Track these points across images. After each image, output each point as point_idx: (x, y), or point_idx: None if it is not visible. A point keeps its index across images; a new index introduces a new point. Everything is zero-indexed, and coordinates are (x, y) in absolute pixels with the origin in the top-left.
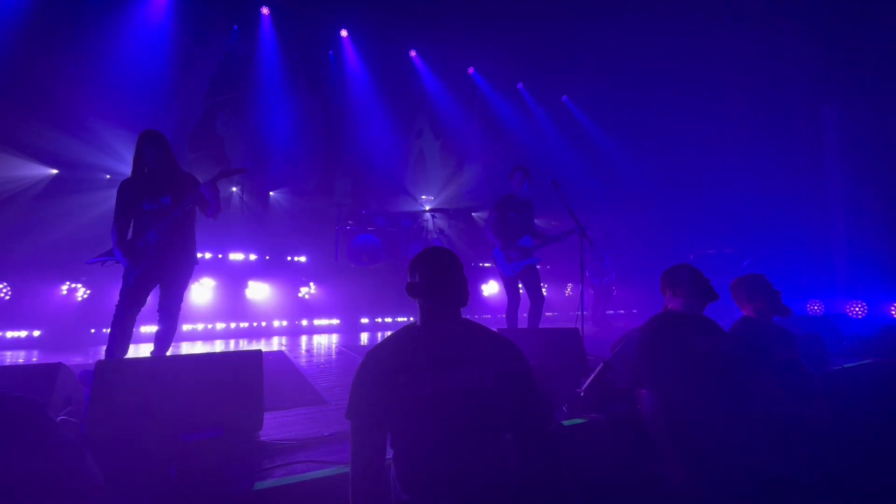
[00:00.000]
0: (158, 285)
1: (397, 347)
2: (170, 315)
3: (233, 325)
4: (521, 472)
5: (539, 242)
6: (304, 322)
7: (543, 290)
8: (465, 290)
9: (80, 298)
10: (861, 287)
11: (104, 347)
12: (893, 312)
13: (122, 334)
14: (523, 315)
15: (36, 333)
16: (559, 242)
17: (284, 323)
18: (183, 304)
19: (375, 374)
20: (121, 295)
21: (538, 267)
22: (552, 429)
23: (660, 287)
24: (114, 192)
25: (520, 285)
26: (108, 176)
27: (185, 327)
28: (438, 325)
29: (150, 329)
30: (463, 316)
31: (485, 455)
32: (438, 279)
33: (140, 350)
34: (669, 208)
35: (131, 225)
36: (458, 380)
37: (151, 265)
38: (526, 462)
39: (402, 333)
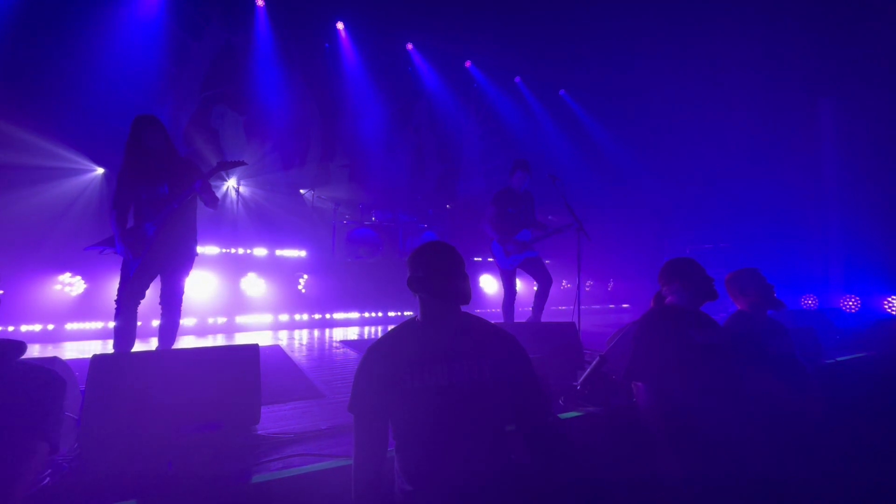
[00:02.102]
0: (158, 277)
1: (399, 341)
2: (171, 307)
3: (229, 319)
4: (524, 463)
5: (538, 235)
6: (301, 316)
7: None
8: (467, 286)
9: (73, 294)
10: (855, 281)
11: (111, 342)
12: (886, 307)
13: (127, 328)
14: (521, 309)
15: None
16: (560, 235)
17: (281, 317)
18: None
19: (377, 367)
20: (120, 288)
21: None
22: (553, 422)
23: (658, 278)
24: (108, 186)
25: (518, 279)
26: (101, 169)
27: (182, 321)
28: (439, 320)
29: (202, 320)
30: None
31: (486, 446)
32: (442, 275)
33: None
34: (665, 202)
35: (130, 214)
36: (458, 372)
37: (150, 258)
38: (528, 453)
39: (404, 327)
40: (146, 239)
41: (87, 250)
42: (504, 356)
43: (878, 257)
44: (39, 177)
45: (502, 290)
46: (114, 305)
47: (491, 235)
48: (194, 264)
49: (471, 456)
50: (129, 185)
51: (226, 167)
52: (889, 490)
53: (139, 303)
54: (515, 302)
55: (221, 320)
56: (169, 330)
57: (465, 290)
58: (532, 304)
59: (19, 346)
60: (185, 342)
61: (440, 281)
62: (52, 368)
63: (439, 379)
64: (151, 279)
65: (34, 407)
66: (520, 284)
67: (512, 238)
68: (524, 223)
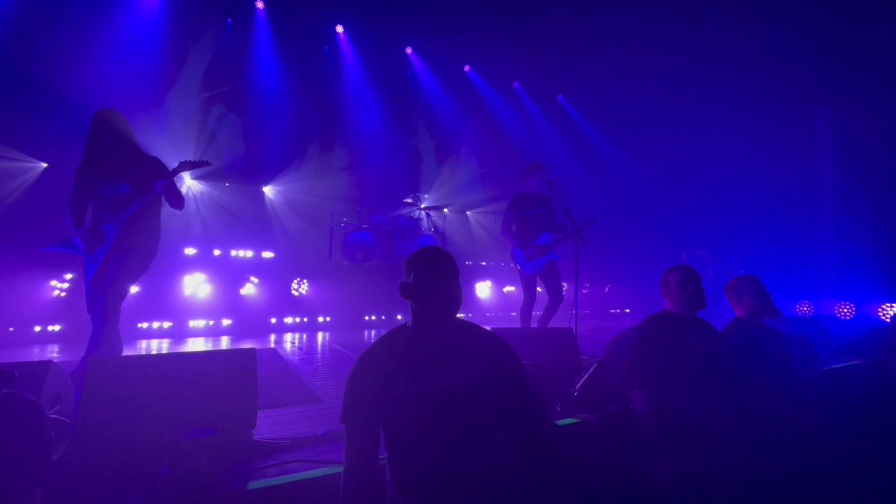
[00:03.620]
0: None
1: (389, 349)
2: (105, 309)
3: (226, 321)
4: (517, 470)
5: (558, 238)
6: (298, 319)
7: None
8: (458, 294)
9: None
10: (849, 288)
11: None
12: (881, 314)
13: (108, 336)
14: (536, 313)
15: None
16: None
17: (278, 320)
18: (177, 300)
19: (367, 376)
20: (86, 295)
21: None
22: (546, 427)
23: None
24: None
25: (539, 285)
26: None
27: (178, 324)
28: (430, 327)
29: (198, 323)
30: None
31: (479, 454)
32: (432, 282)
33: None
34: (662, 207)
35: (89, 211)
36: (450, 380)
37: (107, 260)
38: (521, 460)
39: (394, 335)
40: (105, 240)
41: (46, 251)
42: (497, 362)
43: (873, 264)
44: (36, 177)
45: (497, 295)
46: (88, 316)
47: (510, 241)
48: (185, 267)
49: (465, 465)
50: (86, 181)
51: (189, 167)
52: (884, 495)
53: None
54: (534, 307)
55: (213, 323)
56: (99, 336)
57: (453, 298)
58: (541, 314)
59: (7, 376)
60: (181, 345)
61: (430, 289)
62: (35, 400)
63: (431, 387)
64: None
65: (26, 450)
66: (542, 288)
67: (531, 242)
68: (543, 226)
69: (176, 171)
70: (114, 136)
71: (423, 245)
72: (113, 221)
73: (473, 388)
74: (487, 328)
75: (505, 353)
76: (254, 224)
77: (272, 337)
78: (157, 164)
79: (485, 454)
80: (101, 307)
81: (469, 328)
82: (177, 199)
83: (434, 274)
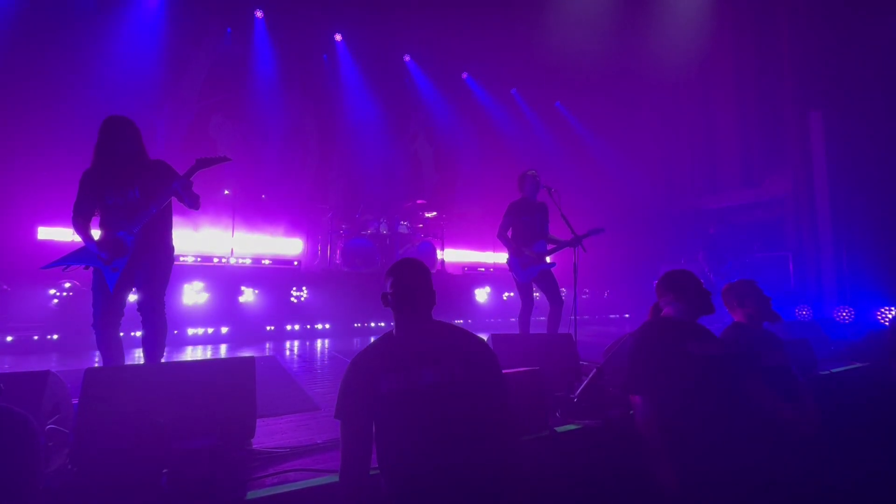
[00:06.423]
0: (134, 287)
1: (377, 351)
2: (152, 313)
3: (224, 329)
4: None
5: (554, 247)
6: (297, 326)
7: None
8: (425, 298)
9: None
10: (848, 292)
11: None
12: (880, 317)
13: (114, 351)
14: (536, 319)
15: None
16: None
17: (276, 327)
18: (175, 309)
19: (358, 376)
20: (96, 310)
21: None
22: (508, 418)
23: (655, 289)
24: None
25: (535, 291)
26: None
27: (177, 332)
28: (410, 329)
29: (196, 331)
30: (449, 320)
31: (461, 445)
32: (401, 290)
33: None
34: (661, 211)
35: (95, 221)
36: (429, 375)
37: (128, 269)
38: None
39: (382, 339)
40: (125, 248)
41: (45, 269)
42: (470, 354)
43: (871, 268)
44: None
45: (497, 300)
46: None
47: (507, 247)
48: (185, 274)
49: (448, 456)
50: (94, 189)
51: (206, 164)
52: (885, 500)
53: (120, 320)
54: (532, 313)
55: (212, 330)
56: (154, 342)
57: (420, 302)
58: (546, 324)
59: None
60: (179, 354)
61: (401, 297)
62: (24, 413)
63: (413, 383)
64: (129, 291)
65: (10, 470)
66: (539, 295)
67: (528, 248)
68: (541, 233)
69: (193, 170)
70: (125, 143)
71: (421, 251)
72: (129, 228)
73: (452, 383)
74: (485, 336)
75: (480, 348)
76: (254, 231)
77: (271, 345)
78: (167, 167)
79: (467, 445)
80: (156, 312)
81: (448, 329)
82: (193, 199)
83: (402, 282)
